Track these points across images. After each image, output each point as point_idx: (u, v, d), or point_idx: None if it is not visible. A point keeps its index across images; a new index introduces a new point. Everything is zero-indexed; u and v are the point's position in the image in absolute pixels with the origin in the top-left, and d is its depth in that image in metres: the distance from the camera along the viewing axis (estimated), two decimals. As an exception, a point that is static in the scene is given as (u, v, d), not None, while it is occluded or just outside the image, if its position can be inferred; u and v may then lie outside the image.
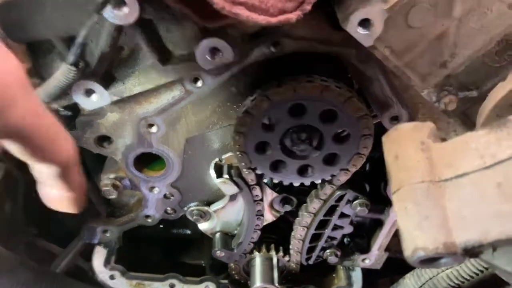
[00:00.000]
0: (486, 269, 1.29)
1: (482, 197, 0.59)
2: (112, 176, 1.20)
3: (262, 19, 0.74)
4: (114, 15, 0.81)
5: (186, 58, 0.92)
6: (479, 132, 0.63)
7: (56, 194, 0.65)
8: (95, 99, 0.96)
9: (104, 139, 1.12)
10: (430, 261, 0.62)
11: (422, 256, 0.60)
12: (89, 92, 0.96)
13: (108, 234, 1.36)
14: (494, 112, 0.84)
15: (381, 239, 1.38)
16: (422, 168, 0.65)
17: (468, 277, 1.33)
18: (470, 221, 0.59)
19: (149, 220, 1.32)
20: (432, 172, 0.65)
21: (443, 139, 0.69)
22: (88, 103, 0.97)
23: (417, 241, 0.61)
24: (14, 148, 0.57)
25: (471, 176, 0.61)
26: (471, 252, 0.60)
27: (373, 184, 1.26)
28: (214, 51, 0.89)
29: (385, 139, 0.73)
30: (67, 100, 0.98)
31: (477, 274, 1.32)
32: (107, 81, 0.96)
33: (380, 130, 1.08)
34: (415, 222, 0.62)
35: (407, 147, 0.68)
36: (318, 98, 0.96)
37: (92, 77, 0.94)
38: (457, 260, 0.61)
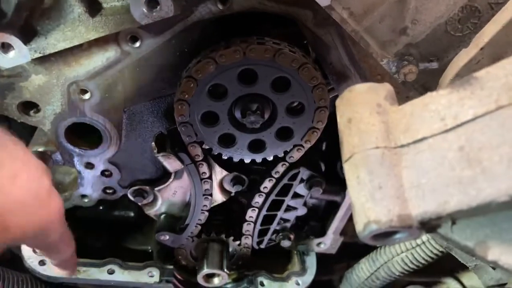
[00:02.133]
0: (442, 252, 1.26)
1: (441, 163, 0.52)
2: (40, 149, 1.06)
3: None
4: (30, -48, 0.69)
5: (119, 10, 0.81)
6: (440, 92, 0.56)
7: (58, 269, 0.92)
8: (12, 55, 0.83)
9: (29, 106, 0.98)
10: (384, 236, 0.55)
11: (375, 230, 0.53)
12: (5, 47, 0.82)
13: (39, 216, 1.22)
14: (455, 81, 0.78)
15: (337, 222, 1.32)
16: (377, 132, 0.58)
17: (423, 261, 1.30)
18: (428, 190, 0.52)
19: (86, 200, 1.20)
20: (388, 137, 0.58)
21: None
22: (4, 60, 0.83)
23: (369, 214, 0.53)
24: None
25: (431, 140, 0.54)
26: (428, 225, 0.53)
27: (329, 163, 1.19)
28: (151, 3, 0.78)
29: (339, 101, 0.65)
30: (-21, 56, 0.84)
31: (432, 258, 1.30)
32: (27, 35, 0.82)
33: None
34: (368, 193, 0.55)
35: (361, 109, 0.60)
36: (270, 63, 0.87)
37: (8, 28, 0.80)
38: (413, 234, 0.54)
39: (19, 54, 0.83)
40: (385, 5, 0.83)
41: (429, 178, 0.53)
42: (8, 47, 0.82)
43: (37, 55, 0.84)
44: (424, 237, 1.26)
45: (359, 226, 0.55)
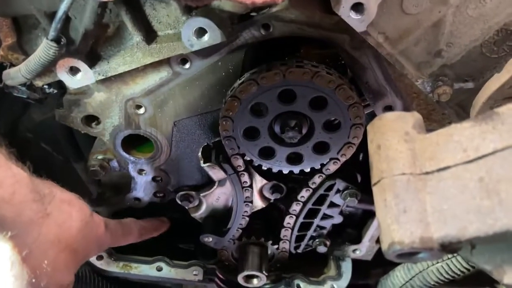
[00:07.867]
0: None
1: (463, 192, 0.57)
2: (100, 157, 1.19)
3: (247, 0, 0.71)
4: (97, -9, 0.79)
5: (172, 37, 0.90)
6: (463, 124, 0.60)
7: None
8: (79, 77, 0.94)
9: (91, 119, 1.10)
10: (407, 255, 0.60)
11: (398, 250, 0.58)
12: (73, 70, 0.94)
13: (97, 215, 1.35)
14: (488, 105, 0.81)
15: (373, 230, 1.36)
16: (404, 159, 0.63)
17: (459, 272, 1.31)
18: (449, 216, 0.57)
19: (138, 203, 1.32)
20: (414, 164, 0.62)
21: (430, 130, 0.66)
22: (72, 81, 0.95)
23: (393, 235, 0.59)
24: None
25: (453, 169, 0.59)
26: (449, 248, 0.58)
27: (365, 174, 1.23)
28: (200, 31, 0.86)
29: (369, 128, 0.70)
30: (51, 77, 0.96)
31: (469, 270, 1.30)
32: (92, 59, 0.93)
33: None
34: (393, 215, 0.60)
35: (390, 137, 0.65)
36: (308, 84, 0.93)
37: (76, 54, 0.91)
38: (434, 255, 0.59)
39: (85, 77, 0.94)
40: (420, 29, 0.87)
41: (451, 205, 0.58)
42: (76, 71, 0.94)
43: (101, 77, 0.95)
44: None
45: (384, 245, 0.61)
